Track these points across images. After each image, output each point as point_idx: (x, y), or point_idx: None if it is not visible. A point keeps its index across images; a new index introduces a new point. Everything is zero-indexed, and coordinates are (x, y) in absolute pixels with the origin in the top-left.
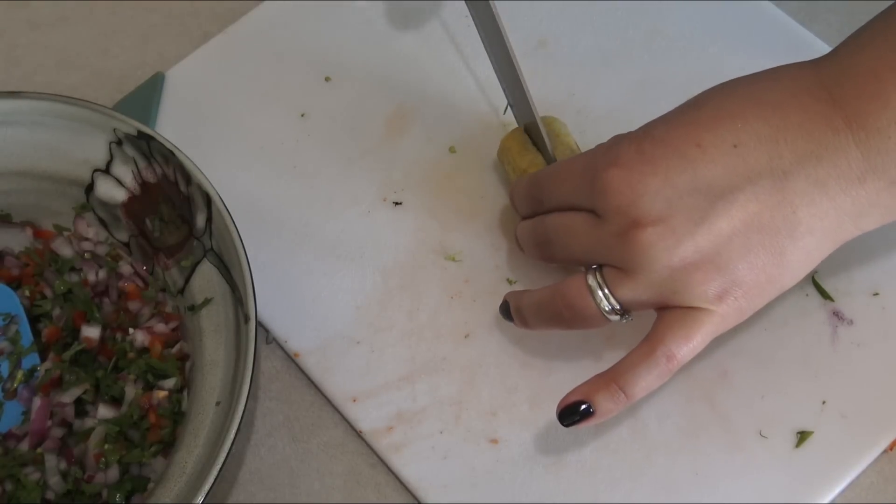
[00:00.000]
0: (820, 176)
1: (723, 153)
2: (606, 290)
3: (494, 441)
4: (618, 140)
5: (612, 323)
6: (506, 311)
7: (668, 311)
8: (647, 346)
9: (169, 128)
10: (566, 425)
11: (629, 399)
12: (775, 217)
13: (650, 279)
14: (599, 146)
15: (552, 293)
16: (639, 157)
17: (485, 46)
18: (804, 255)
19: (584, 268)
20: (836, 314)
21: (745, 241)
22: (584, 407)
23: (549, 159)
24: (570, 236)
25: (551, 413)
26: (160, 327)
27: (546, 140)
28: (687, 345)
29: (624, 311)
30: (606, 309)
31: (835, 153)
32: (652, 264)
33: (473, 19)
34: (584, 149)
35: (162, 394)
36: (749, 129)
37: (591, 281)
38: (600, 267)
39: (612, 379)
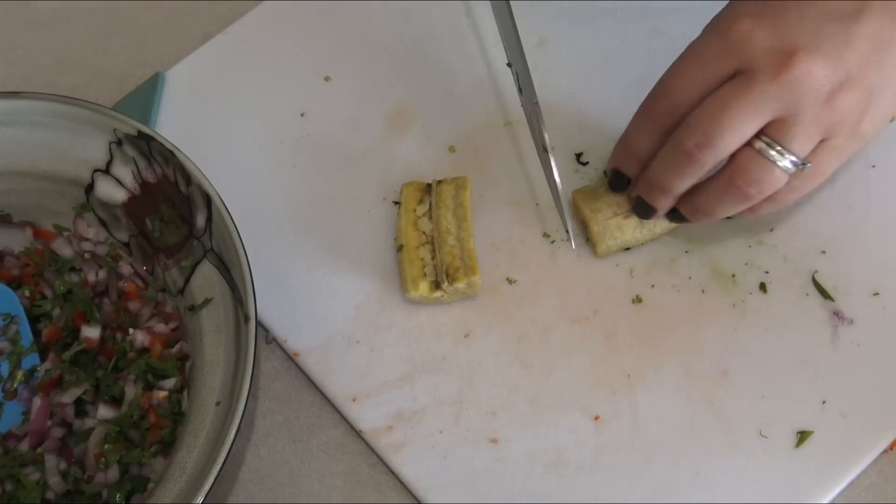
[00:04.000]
0: None
1: None
2: (778, 147)
3: (494, 441)
4: (728, 7)
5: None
6: (676, 214)
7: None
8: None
9: (169, 128)
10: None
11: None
12: (893, 33)
13: (815, 114)
14: (708, 25)
15: (728, 181)
16: (764, 5)
17: (501, 35)
18: None
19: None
20: (836, 314)
21: (878, 58)
22: None
23: (533, 100)
24: (727, 109)
25: (551, 413)
26: (160, 327)
27: (543, 128)
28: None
29: (803, 162)
30: (785, 167)
31: None
32: (816, 95)
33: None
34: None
35: (162, 394)
36: None
37: (760, 144)
38: (759, 132)
39: None
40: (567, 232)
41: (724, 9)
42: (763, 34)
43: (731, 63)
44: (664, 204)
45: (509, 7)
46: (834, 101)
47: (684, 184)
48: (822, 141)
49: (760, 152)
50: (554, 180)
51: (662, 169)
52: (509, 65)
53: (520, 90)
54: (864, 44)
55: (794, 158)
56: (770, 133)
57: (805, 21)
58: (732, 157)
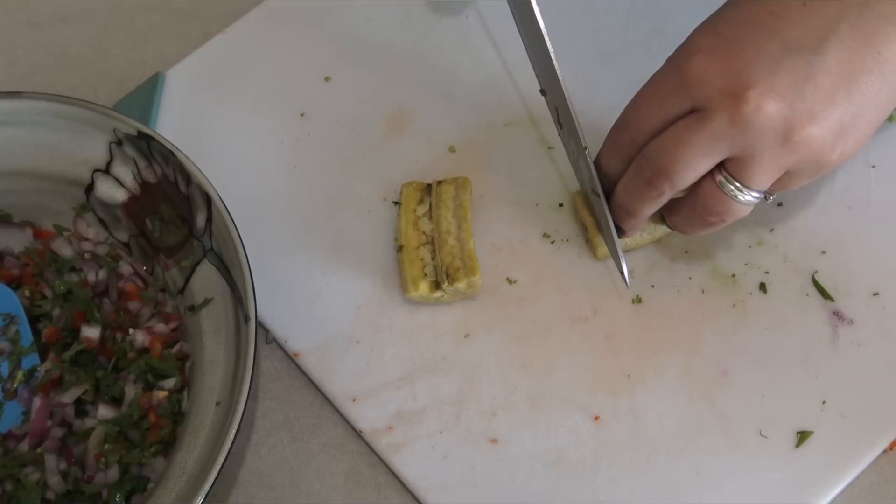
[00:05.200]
0: (886, 12)
1: (796, 12)
2: (738, 184)
3: (494, 441)
4: (689, 38)
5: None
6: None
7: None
8: None
9: (169, 128)
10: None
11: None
12: (865, 60)
13: (774, 154)
14: (669, 57)
15: (692, 205)
16: (720, 40)
17: (521, 34)
18: (892, 93)
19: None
20: (836, 314)
21: (847, 90)
22: None
23: (578, 144)
24: (682, 146)
25: (551, 413)
26: (160, 327)
27: (577, 124)
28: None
29: (766, 194)
30: (747, 201)
31: None
32: (771, 135)
33: (511, 10)
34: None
35: (162, 394)
36: None
37: (720, 179)
38: (723, 163)
39: None
40: (623, 275)
41: (686, 39)
42: (716, 72)
43: (686, 101)
44: (632, 224)
45: (542, 32)
46: (793, 141)
47: (647, 208)
48: (787, 171)
49: (720, 187)
50: (610, 227)
51: (625, 193)
52: (542, 92)
53: (559, 124)
54: (827, 78)
55: (755, 194)
56: (730, 169)
57: (761, 57)
58: (697, 184)
